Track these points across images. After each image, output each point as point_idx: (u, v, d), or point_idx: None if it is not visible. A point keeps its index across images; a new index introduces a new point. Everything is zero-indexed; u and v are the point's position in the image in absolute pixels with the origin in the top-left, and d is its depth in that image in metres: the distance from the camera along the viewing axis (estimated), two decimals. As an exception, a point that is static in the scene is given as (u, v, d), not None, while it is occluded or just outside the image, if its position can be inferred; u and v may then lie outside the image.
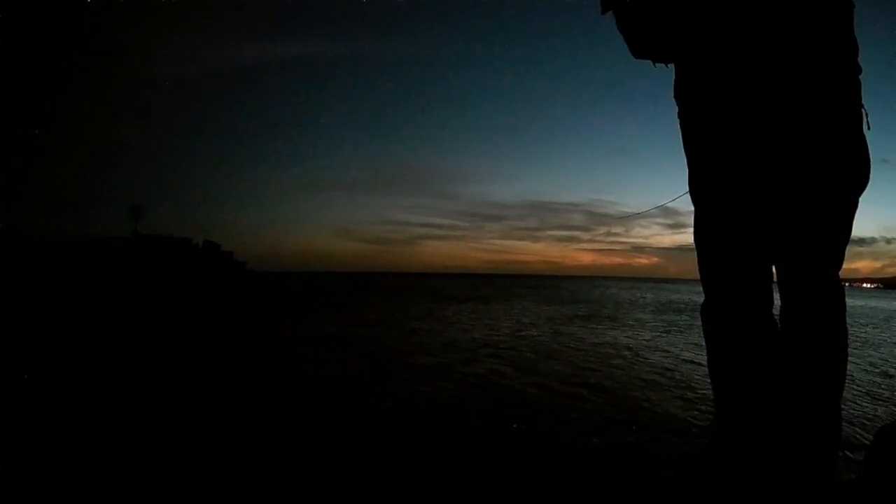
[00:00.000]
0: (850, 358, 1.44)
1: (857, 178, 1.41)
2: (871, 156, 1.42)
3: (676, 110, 1.53)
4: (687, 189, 1.52)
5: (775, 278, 1.47)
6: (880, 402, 3.19)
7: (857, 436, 2.36)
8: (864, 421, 2.69)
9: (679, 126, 1.52)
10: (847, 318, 1.41)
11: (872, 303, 20.49)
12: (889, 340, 6.93)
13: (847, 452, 1.91)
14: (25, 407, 2.74)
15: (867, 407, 3.03)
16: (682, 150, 1.51)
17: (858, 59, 1.39)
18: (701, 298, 1.54)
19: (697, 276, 1.53)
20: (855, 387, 3.55)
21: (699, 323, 1.55)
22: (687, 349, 5.66)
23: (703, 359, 1.77)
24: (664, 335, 7.19)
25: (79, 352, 5.01)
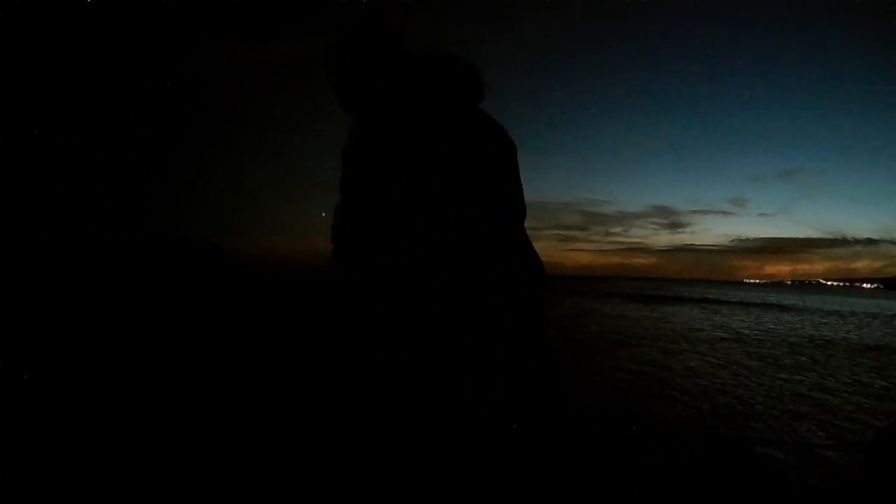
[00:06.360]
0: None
1: None
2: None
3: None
4: None
5: None
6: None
7: (858, 436, 2.36)
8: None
9: None
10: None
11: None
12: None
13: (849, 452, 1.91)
14: (25, 406, 2.74)
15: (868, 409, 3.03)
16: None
17: None
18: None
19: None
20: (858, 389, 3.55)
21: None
22: None
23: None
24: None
25: (79, 352, 5.00)
